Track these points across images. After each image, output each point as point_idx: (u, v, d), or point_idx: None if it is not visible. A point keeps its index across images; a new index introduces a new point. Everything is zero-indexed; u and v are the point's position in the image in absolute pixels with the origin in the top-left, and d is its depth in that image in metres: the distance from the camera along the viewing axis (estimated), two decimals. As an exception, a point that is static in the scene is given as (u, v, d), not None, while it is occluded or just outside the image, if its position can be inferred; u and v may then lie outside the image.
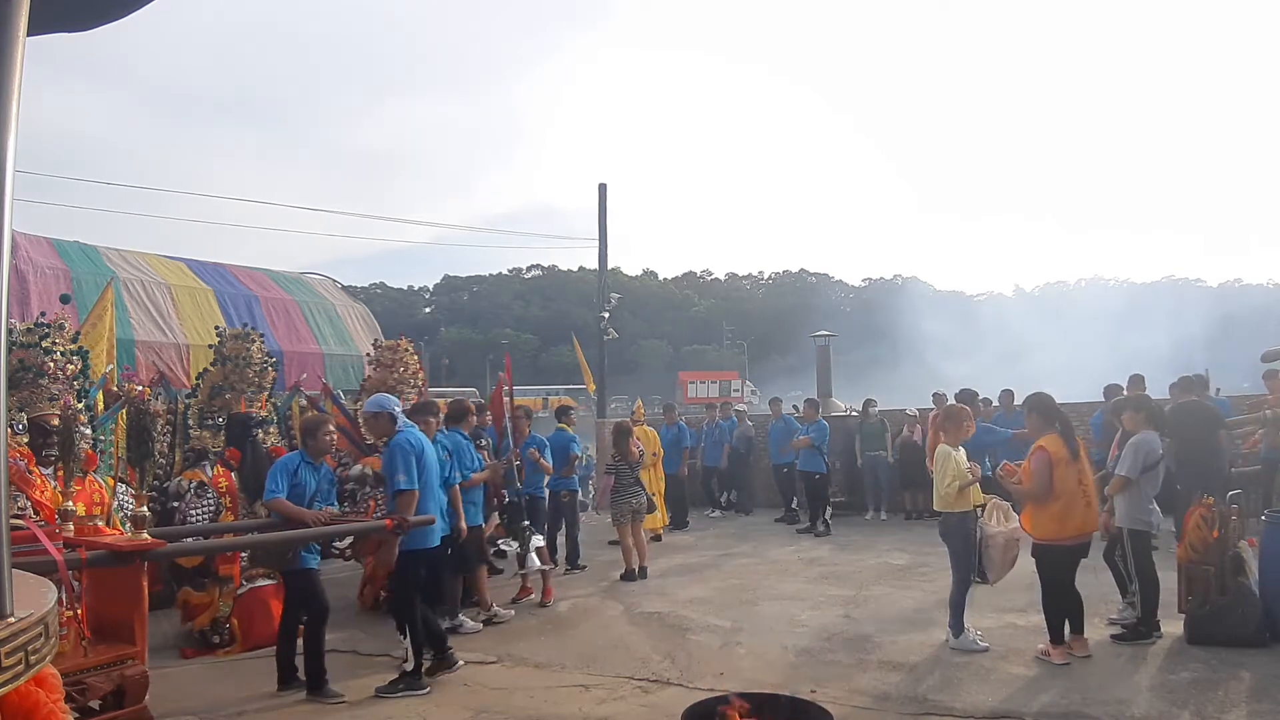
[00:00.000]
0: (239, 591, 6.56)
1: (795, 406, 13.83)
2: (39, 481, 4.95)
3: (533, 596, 7.75)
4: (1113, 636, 6.02)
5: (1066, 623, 5.68)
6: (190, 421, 7.72)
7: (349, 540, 6.57)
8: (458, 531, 6.44)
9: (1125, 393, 9.05)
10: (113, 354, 7.86)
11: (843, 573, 8.74)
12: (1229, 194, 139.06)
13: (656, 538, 10.67)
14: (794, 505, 12.66)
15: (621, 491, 8.83)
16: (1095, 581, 7.30)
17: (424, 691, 5.35)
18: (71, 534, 4.13)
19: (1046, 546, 5.66)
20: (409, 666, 5.40)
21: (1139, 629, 5.95)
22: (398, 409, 5.83)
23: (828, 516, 11.64)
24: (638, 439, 9.72)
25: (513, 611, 7.33)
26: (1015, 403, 11.03)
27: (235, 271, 12.48)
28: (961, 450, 6.07)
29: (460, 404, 7.69)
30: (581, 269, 79.82)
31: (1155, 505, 6.15)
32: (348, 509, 7.07)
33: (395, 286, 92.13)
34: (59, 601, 1.80)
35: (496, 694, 5.36)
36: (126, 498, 5.74)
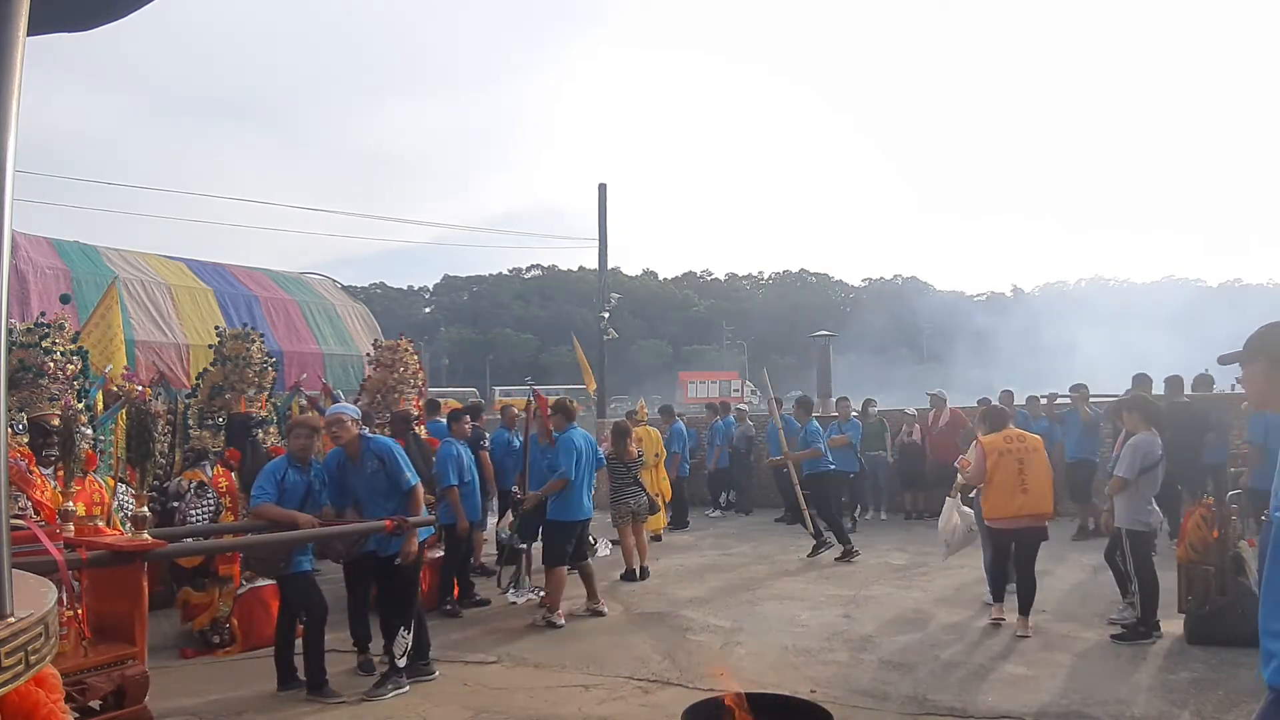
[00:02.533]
0: (239, 591, 6.55)
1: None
2: (39, 481, 4.95)
3: (534, 596, 7.73)
4: (1113, 636, 6.04)
5: (1036, 605, 6.36)
6: (190, 421, 7.71)
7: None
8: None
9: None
10: (123, 353, 7.86)
11: (843, 573, 8.75)
12: (1229, 194, 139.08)
13: (656, 538, 10.67)
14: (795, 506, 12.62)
15: (620, 492, 8.82)
16: (1095, 581, 7.31)
17: (406, 689, 5.35)
18: (72, 534, 4.12)
19: (986, 525, 6.67)
20: (401, 663, 5.39)
21: (1139, 629, 5.96)
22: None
23: (866, 515, 12.00)
24: (639, 439, 9.71)
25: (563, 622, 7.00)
26: (1015, 401, 11.73)
27: (235, 271, 12.46)
28: None
29: (565, 401, 7.64)
30: (581, 269, 79.76)
31: (1155, 506, 6.16)
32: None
33: (395, 286, 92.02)
34: (59, 601, 1.80)
35: (496, 694, 5.36)
36: (126, 498, 5.73)
